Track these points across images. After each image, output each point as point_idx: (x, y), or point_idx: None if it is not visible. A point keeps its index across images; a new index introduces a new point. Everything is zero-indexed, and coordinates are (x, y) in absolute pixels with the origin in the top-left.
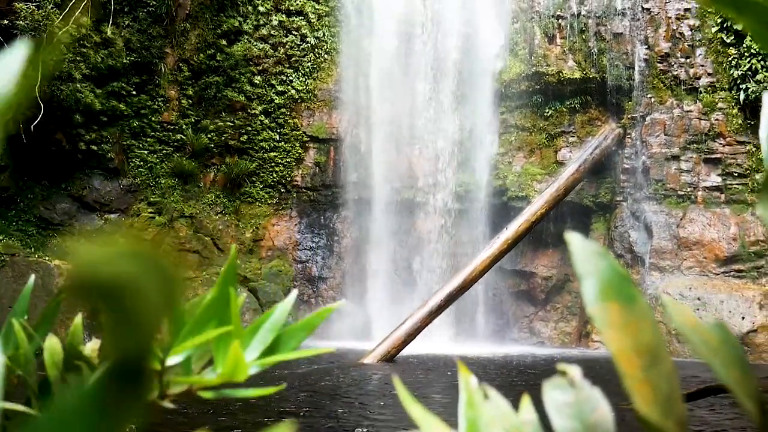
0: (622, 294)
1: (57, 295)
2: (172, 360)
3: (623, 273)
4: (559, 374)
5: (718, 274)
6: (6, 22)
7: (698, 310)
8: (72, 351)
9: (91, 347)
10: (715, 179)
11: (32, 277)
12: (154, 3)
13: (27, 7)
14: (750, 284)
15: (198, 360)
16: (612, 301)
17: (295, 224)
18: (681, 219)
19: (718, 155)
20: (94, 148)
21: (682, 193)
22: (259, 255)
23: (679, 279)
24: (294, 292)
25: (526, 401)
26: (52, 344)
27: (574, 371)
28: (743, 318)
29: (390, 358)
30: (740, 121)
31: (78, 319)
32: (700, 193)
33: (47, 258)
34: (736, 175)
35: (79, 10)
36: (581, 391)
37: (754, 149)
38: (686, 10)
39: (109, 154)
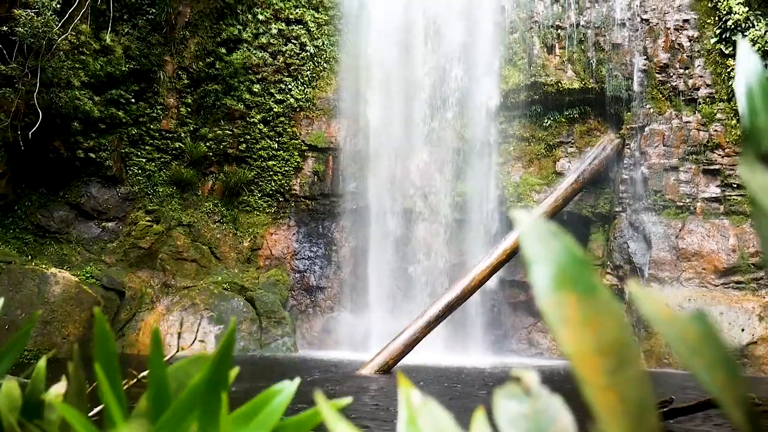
0: (580, 283)
1: (25, 327)
2: None
3: (581, 258)
4: (513, 381)
5: (717, 286)
6: (5, 28)
7: None
8: (32, 397)
9: (54, 392)
10: (714, 190)
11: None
12: (154, 11)
13: (26, 14)
14: (749, 296)
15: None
16: (569, 291)
17: (293, 233)
18: (680, 230)
19: (717, 166)
20: (92, 155)
21: (681, 204)
22: (256, 264)
23: (678, 290)
24: (296, 380)
25: (478, 416)
26: (9, 388)
27: (531, 377)
28: (743, 330)
29: (387, 369)
30: (739, 132)
31: (42, 362)
32: (699, 204)
33: (44, 266)
34: (735, 186)
35: (78, 18)
36: (538, 400)
37: None
38: (685, 20)
39: (107, 161)
